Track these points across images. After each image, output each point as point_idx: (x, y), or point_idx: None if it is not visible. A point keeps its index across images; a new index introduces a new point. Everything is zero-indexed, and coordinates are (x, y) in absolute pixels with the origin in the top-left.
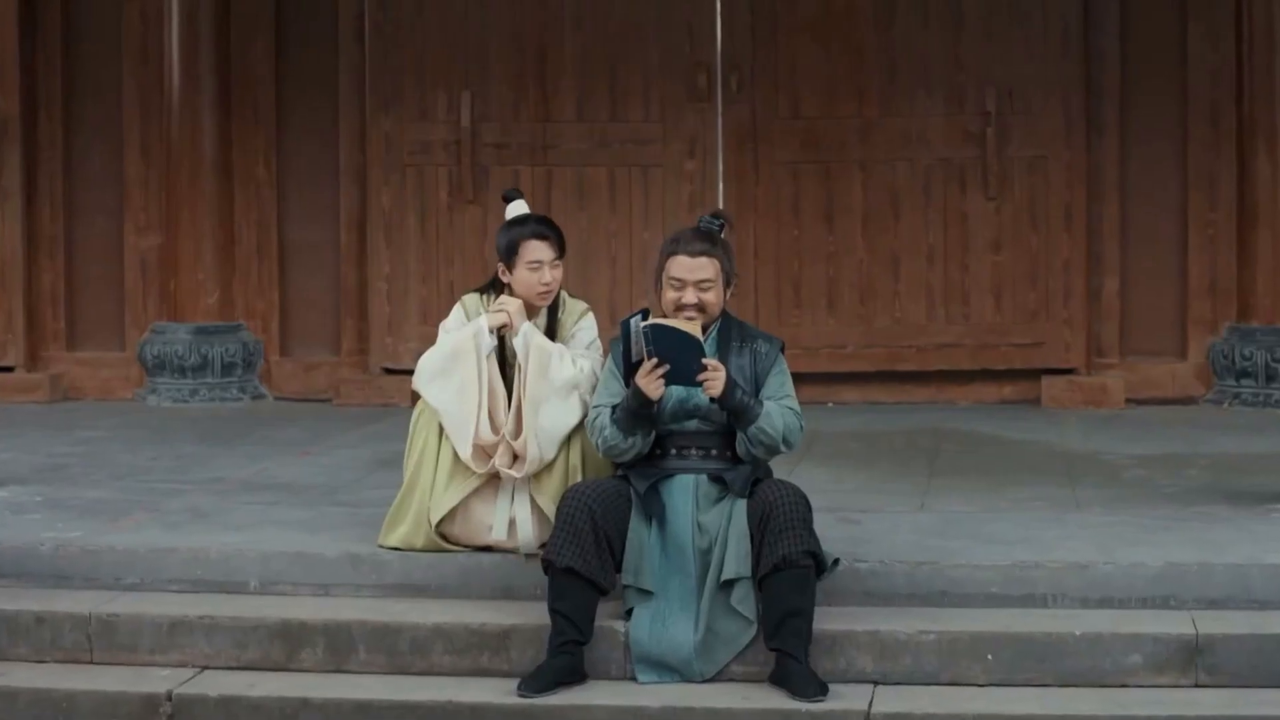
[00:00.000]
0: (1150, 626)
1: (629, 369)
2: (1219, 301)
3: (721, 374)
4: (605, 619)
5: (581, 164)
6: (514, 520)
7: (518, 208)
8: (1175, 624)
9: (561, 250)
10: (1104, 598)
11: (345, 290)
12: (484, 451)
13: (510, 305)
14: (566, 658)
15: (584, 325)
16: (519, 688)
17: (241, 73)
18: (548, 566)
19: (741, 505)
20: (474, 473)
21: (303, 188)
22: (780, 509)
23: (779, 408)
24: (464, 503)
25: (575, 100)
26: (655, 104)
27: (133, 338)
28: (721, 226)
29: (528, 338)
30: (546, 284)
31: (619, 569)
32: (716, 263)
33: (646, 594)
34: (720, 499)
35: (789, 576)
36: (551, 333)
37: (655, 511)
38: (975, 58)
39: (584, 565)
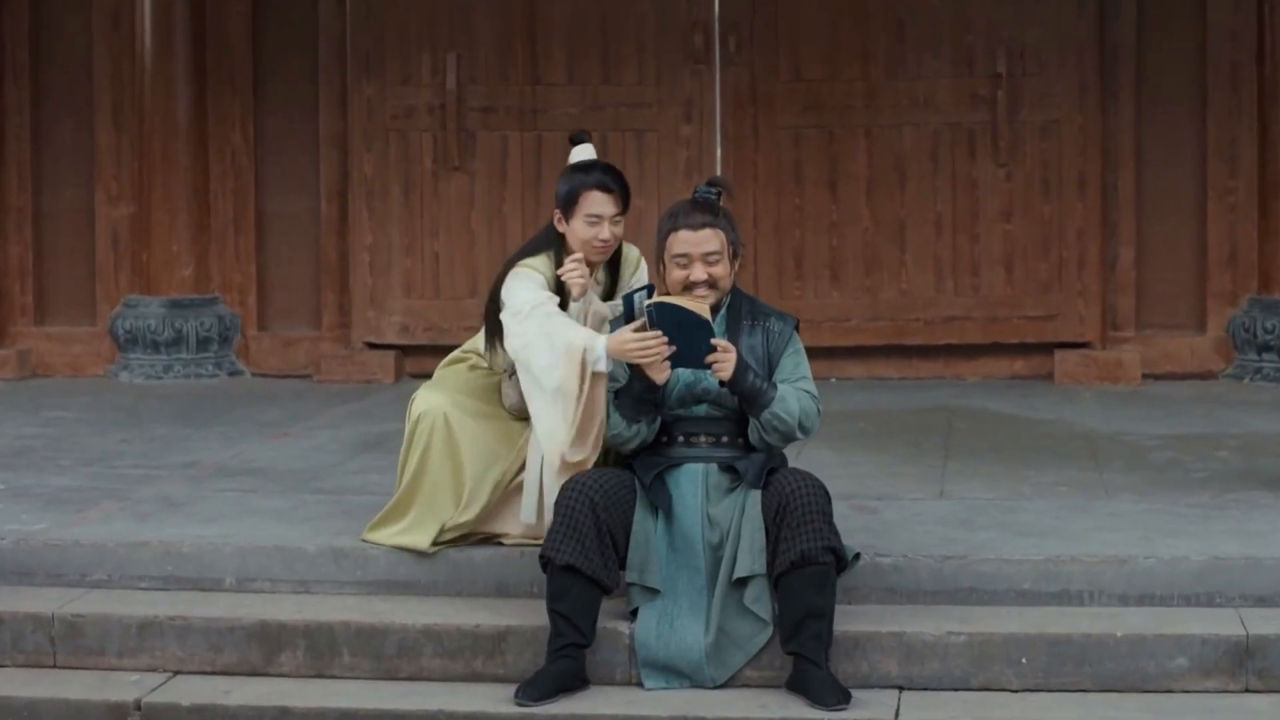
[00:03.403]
0: (1196, 626)
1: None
2: (1239, 272)
3: (732, 356)
4: (609, 620)
5: (573, 129)
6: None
7: (583, 152)
8: (1222, 623)
9: (626, 206)
10: (1144, 595)
11: (326, 262)
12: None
13: (580, 268)
14: (567, 662)
15: (640, 276)
16: (516, 695)
17: (217, 36)
18: (546, 564)
19: (755, 497)
20: (507, 472)
21: (281, 156)
22: (798, 501)
23: (794, 391)
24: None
25: (565, 62)
26: (650, 66)
27: (104, 312)
28: (719, 194)
29: (587, 305)
30: (605, 240)
31: (623, 566)
32: (721, 234)
33: (653, 593)
34: (732, 490)
35: (808, 574)
36: (612, 288)
37: (662, 503)
38: (985, 17)
39: (585, 562)
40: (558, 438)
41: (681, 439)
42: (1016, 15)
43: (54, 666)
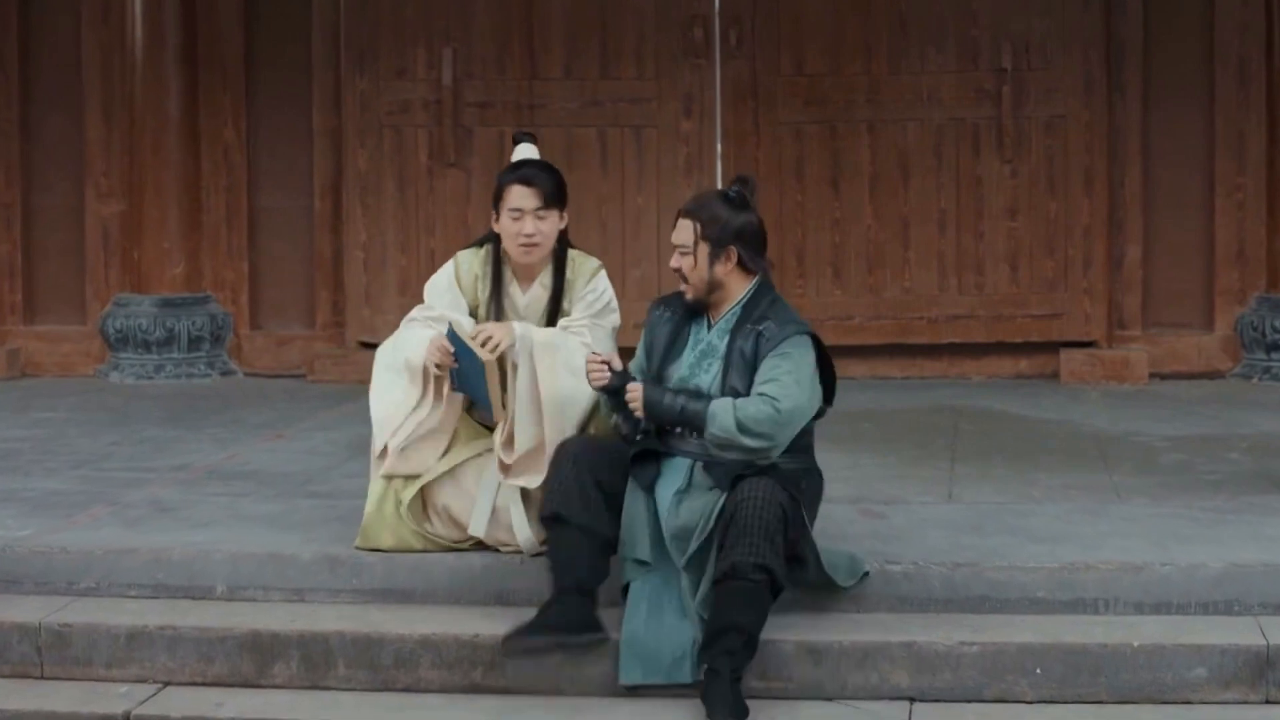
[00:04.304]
0: (1215, 636)
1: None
2: (1247, 270)
3: (638, 394)
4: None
5: (571, 124)
6: (497, 512)
7: (523, 151)
8: (1242, 633)
9: (551, 200)
10: (1160, 603)
11: (319, 260)
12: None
13: (496, 334)
14: (559, 607)
15: (595, 286)
16: (502, 643)
17: (208, 29)
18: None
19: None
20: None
21: (274, 151)
22: (744, 512)
23: (728, 402)
24: (449, 500)
25: (563, 56)
26: (649, 60)
27: (94, 310)
28: (739, 194)
29: (526, 344)
30: (528, 235)
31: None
32: (696, 227)
33: (644, 565)
34: (711, 489)
35: (733, 589)
36: (558, 296)
37: (644, 482)
38: (990, 11)
39: (568, 509)
40: (390, 424)
41: (678, 431)
42: (1022, 8)
43: (41, 678)
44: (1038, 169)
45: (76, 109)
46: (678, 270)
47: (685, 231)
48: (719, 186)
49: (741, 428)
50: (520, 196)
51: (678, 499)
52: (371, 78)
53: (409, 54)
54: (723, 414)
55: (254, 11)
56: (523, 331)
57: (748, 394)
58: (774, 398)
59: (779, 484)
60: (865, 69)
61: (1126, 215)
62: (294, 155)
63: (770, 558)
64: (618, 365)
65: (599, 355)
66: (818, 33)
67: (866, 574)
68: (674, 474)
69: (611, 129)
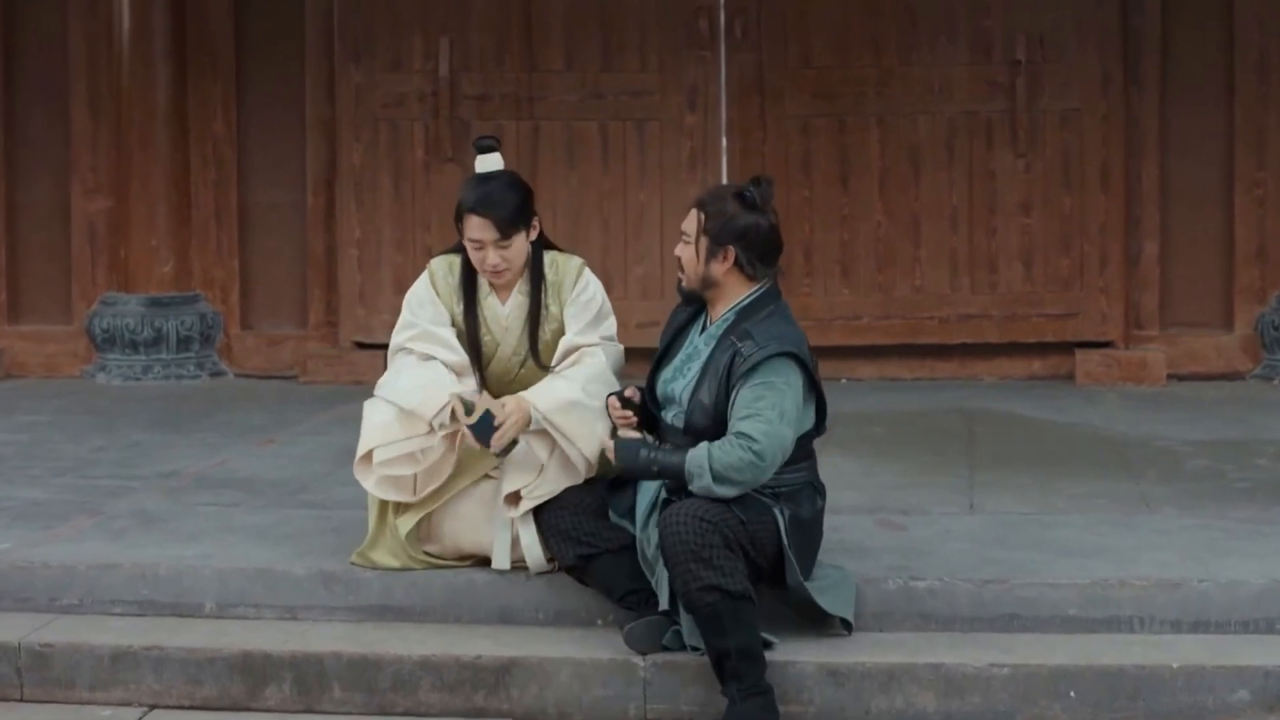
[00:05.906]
0: (1258, 656)
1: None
2: (1268, 268)
3: (509, 420)
4: (621, 653)
5: (571, 118)
6: (516, 539)
7: (486, 163)
8: None
9: (511, 228)
10: (1199, 621)
11: (312, 257)
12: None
13: (511, 421)
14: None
15: (586, 287)
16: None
17: (198, 19)
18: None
19: None
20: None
21: (265, 145)
22: (666, 543)
23: (703, 456)
24: (450, 527)
25: (564, 47)
26: (652, 52)
27: (80, 310)
28: (753, 194)
29: (541, 416)
30: (493, 265)
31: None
32: (699, 219)
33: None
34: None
35: (700, 619)
36: (538, 300)
37: (621, 510)
38: (1002, 1)
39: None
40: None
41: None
42: None
43: (20, 700)
44: (1052, 164)
45: (61, 102)
46: (679, 257)
47: (691, 221)
48: (724, 182)
49: (719, 479)
50: (478, 228)
51: (648, 518)
52: (366, 70)
53: (405, 45)
54: (698, 473)
55: (245, 1)
56: (535, 403)
57: (713, 407)
58: (752, 438)
59: (696, 501)
60: (874, 61)
61: (1143, 211)
62: (286, 149)
63: (710, 575)
64: (634, 396)
65: (617, 401)
66: (825, 24)
67: (849, 626)
68: (646, 492)
69: (613, 123)
